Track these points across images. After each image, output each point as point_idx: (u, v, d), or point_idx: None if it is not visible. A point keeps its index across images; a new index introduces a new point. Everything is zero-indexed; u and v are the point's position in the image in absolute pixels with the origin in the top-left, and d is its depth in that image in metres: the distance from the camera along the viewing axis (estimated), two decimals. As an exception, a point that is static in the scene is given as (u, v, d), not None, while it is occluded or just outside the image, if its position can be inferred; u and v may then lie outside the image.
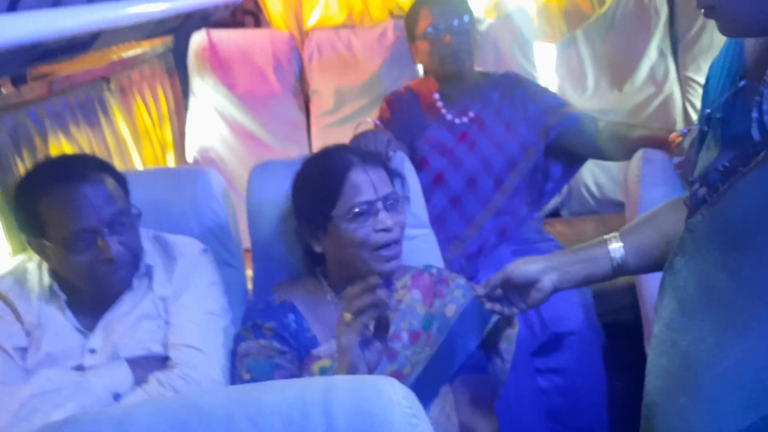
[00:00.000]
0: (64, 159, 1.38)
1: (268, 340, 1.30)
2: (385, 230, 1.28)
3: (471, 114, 1.95)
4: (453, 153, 1.93)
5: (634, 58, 2.66)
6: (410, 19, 2.00)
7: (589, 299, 1.86)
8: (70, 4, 1.20)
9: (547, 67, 2.75)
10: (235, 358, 1.31)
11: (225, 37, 2.73)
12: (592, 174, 2.62)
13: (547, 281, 1.11)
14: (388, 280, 1.38)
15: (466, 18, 1.91)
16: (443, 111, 1.97)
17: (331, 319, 1.32)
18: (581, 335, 1.77)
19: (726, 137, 0.85)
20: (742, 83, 0.85)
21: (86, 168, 1.25)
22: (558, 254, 1.15)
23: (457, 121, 1.95)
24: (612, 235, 1.11)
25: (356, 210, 1.27)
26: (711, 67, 0.93)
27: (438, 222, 1.91)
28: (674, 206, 1.03)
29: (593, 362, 1.78)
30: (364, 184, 1.29)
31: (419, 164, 1.93)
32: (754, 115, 0.80)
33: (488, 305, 1.16)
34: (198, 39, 2.70)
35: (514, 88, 2.00)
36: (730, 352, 0.75)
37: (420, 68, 2.67)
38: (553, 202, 2.56)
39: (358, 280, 1.25)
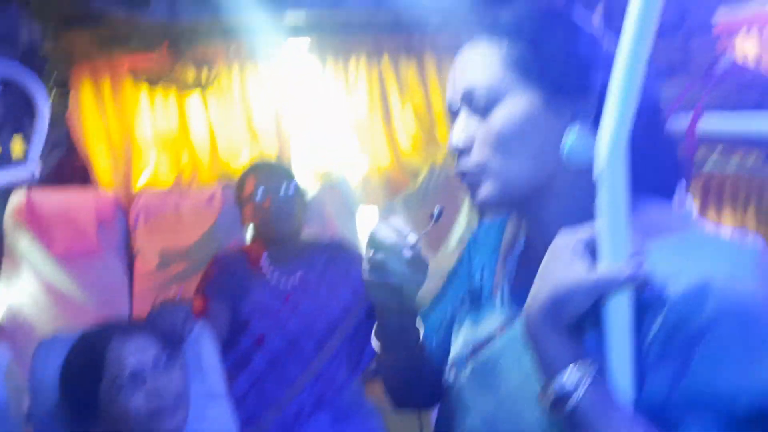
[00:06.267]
0: None
1: None
2: (157, 396, 1.27)
3: (296, 277, 2.00)
4: (277, 315, 1.95)
5: (447, 225, 2.91)
6: (239, 185, 2.09)
7: None
8: None
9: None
10: None
11: (46, 196, 2.68)
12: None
13: None
14: None
15: (288, 184, 2.01)
16: (269, 273, 2.01)
17: None
18: None
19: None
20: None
21: None
22: None
23: (282, 283, 1.99)
24: None
25: (122, 378, 1.26)
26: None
27: (256, 386, 1.88)
28: None
29: None
30: (126, 353, 1.28)
31: (241, 326, 1.93)
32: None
33: None
34: (16, 199, 2.62)
35: (339, 254, 2.09)
36: None
37: (248, 233, 2.75)
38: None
39: None
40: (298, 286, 2.00)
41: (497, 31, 0.86)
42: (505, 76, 0.83)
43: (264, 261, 2.04)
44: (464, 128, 0.87)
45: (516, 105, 0.83)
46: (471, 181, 0.87)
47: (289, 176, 2.06)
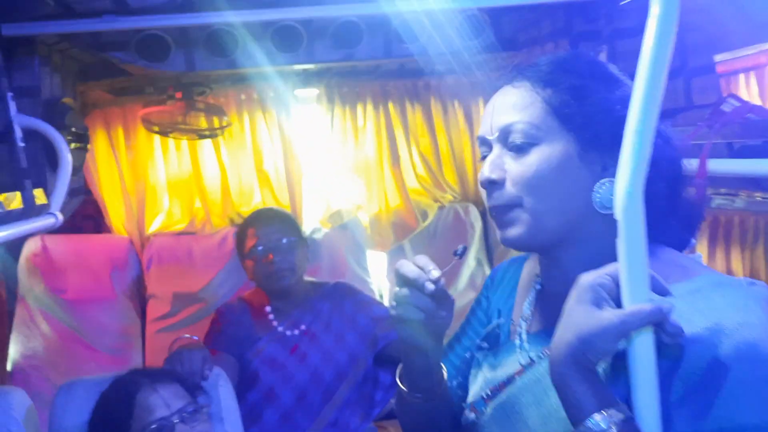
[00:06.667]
0: None
1: None
2: None
3: (302, 326, 1.98)
4: (285, 367, 1.93)
5: (456, 266, 2.91)
6: (239, 238, 2.08)
7: None
8: None
9: (379, 274, 2.94)
10: None
11: (60, 242, 2.71)
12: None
13: None
14: None
15: (289, 239, 1.99)
16: (275, 323, 1.99)
17: None
18: None
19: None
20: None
21: None
22: None
23: (288, 333, 1.97)
24: None
25: (151, 428, 1.27)
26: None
27: None
28: None
29: None
30: (155, 402, 1.30)
31: (250, 380, 1.91)
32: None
33: None
34: (31, 245, 2.65)
35: (344, 299, 2.06)
36: None
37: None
38: (389, 405, 2.60)
39: None
40: (305, 336, 1.98)
41: (542, 77, 0.89)
42: (545, 120, 0.87)
43: (268, 312, 2.03)
44: (497, 163, 0.89)
45: (553, 150, 0.86)
46: (502, 219, 0.89)
47: (289, 227, 2.03)
